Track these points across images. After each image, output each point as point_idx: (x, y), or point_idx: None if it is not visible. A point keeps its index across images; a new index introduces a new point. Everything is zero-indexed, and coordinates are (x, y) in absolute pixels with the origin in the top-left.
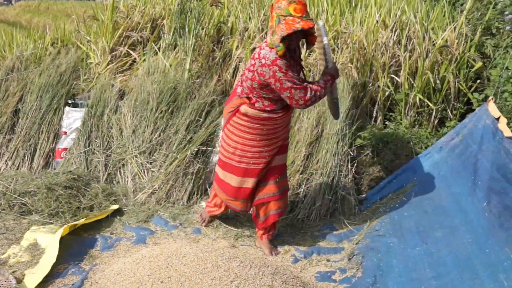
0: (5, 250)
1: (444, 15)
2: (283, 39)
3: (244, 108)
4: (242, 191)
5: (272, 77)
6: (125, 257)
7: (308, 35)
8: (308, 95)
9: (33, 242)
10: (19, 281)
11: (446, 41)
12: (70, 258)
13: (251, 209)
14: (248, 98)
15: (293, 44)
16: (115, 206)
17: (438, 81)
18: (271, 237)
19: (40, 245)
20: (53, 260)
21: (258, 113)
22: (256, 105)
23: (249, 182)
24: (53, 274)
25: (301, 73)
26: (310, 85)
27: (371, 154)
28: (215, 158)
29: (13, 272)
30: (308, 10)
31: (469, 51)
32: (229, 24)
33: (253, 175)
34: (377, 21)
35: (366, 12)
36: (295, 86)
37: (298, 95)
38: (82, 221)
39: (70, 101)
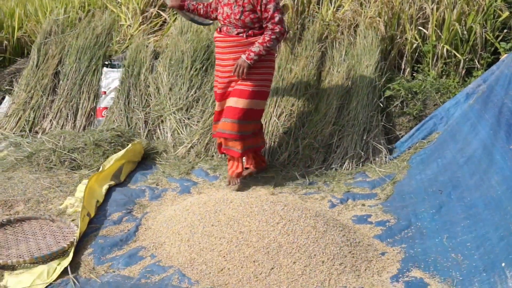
0: (62, 202)
1: None
2: None
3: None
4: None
5: None
6: (173, 205)
7: None
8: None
9: None
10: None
11: None
12: (122, 207)
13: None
14: None
15: None
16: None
17: (465, 32)
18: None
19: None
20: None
21: (215, 33)
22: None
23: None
24: (109, 221)
25: (238, 2)
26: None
27: (400, 105)
28: None
29: (73, 220)
30: None
31: (496, 1)
32: None
33: (216, 99)
34: None
35: None
36: None
37: None
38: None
39: (107, 62)
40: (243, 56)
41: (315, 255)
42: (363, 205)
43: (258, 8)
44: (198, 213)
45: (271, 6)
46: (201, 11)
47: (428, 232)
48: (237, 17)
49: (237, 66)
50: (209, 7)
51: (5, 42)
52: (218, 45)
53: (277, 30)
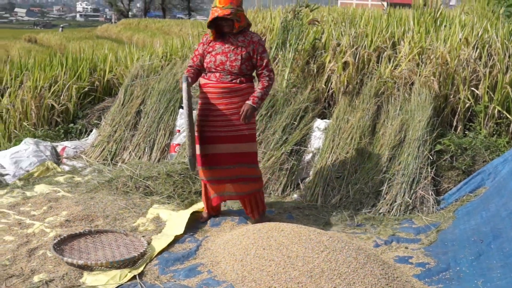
0: (135, 221)
1: None
2: (209, 26)
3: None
4: (213, 156)
5: None
6: (230, 232)
7: (222, 20)
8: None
9: (156, 216)
10: (148, 243)
11: None
12: (187, 230)
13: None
14: None
15: (225, 29)
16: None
17: None
18: (260, 212)
19: (161, 219)
20: (180, 232)
21: (202, 79)
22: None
23: (220, 148)
24: (174, 240)
25: (235, 51)
26: (190, 67)
27: (450, 159)
28: (307, 157)
29: (143, 236)
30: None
31: None
32: (323, 40)
33: (220, 141)
34: (460, 39)
35: (450, 30)
36: (193, 54)
37: None
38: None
39: (183, 104)
40: (249, 102)
41: (354, 283)
42: (406, 248)
43: (254, 56)
44: (252, 238)
45: (265, 55)
46: (195, 75)
47: (465, 276)
48: (234, 64)
49: (244, 111)
50: (194, 65)
51: (97, 82)
52: (209, 91)
53: (272, 76)
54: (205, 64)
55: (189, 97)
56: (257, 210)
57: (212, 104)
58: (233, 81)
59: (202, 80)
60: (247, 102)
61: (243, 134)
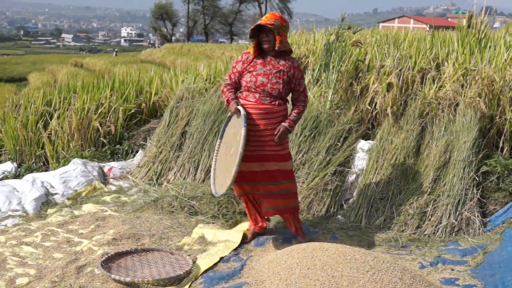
0: (180, 240)
1: None
2: (251, 37)
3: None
4: (249, 173)
5: None
6: (275, 251)
7: (283, 52)
8: (225, 84)
9: (201, 235)
10: (193, 262)
11: None
12: (233, 250)
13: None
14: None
15: (265, 44)
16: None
17: None
18: (300, 232)
19: (206, 239)
20: (225, 254)
21: (240, 99)
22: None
23: (253, 166)
24: (218, 260)
25: (276, 75)
26: (229, 85)
27: (496, 180)
28: (351, 178)
29: (188, 255)
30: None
31: None
32: (366, 62)
33: (253, 160)
34: (505, 60)
35: (495, 51)
36: (231, 71)
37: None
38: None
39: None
40: (285, 124)
41: None
42: (452, 269)
43: (293, 81)
44: (297, 257)
45: (303, 81)
46: (235, 92)
47: None
48: (275, 87)
49: (280, 132)
50: (232, 82)
51: (143, 104)
52: (249, 112)
53: (307, 102)
54: (243, 83)
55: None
56: (299, 226)
57: (253, 125)
58: (272, 103)
59: (241, 100)
60: (283, 124)
61: (279, 154)
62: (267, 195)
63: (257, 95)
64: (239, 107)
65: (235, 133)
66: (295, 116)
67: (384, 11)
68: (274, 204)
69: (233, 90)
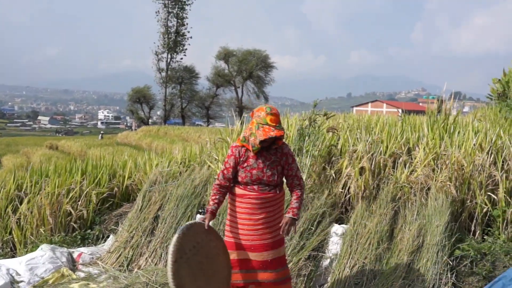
0: None
1: None
2: (261, 142)
3: (232, 188)
4: (245, 261)
5: None
6: None
7: (277, 139)
8: (216, 183)
9: None
10: None
11: None
12: None
13: None
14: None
15: (265, 144)
16: None
17: None
18: None
19: None
20: None
21: (237, 189)
22: (236, 184)
23: (250, 255)
24: None
25: (270, 166)
26: (220, 187)
27: (469, 264)
28: (325, 263)
29: None
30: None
31: None
32: (339, 146)
33: (241, 248)
34: (474, 145)
35: (464, 136)
36: (220, 171)
37: (217, 177)
38: None
39: (201, 210)
40: (289, 215)
41: None
42: None
43: (286, 167)
44: None
45: (294, 165)
46: (222, 198)
47: None
48: (271, 178)
49: (287, 225)
50: (223, 182)
51: (116, 188)
52: (250, 201)
53: (303, 184)
54: (239, 178)
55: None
56: None
57: (252, 214)
58: (271, 191)
59: (238, 191)
60: (287, 215)
61: (277, 240)
62: (266, 283)
63: (255, 187)
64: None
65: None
66: (297, 203)
67: (357, 95)
68: None
69: (217, 197)
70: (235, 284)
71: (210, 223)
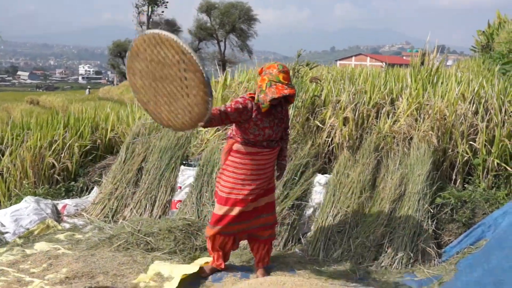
0: (136, 277)
1: None
2: (272, 100)
3: (236, 146)
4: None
5: None
6: (232, 286)
7: (289, 97)
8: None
9: (157, 272)
10: None
11: None
12: (188, 286)
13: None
14: (236, 137)
15: (275, 102)
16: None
17: None
18: (266, 264)
19: (163, 275)
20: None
21: (247, 147)
22: (241, 140)
23: (246, 207)
24: None
25: (278, 124)
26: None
27: (450, 212)
28: (308, 212)
29: None
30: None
31: None
32: (323, 97)
33: (248, 201)
34: (456, 94)
35: (447, 87)
36: (231, 105)
37: (227, 106)
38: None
39: (184, 161)
40: (284, 162)
41: None
42: None
43: (285, 123)
44: None
45: (289, 118)
46: (222, 118)
47: None
48: (278, 135)
49: (284, 170)
50: (233, 114)
51: (99, 141)
52: (263, 158)
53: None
54: (251, 136)
55: None
56: (266, 260)
57: (264, 169)
58: (277, 146)
59: (249, 149)
60: (282, 162)
61: (272, 186)
62: (256, 229)
63: (265, 143)
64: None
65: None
66: (286, 151)
67: (341, 49)
68: (260, 234)
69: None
70: (223, 236)
71: None
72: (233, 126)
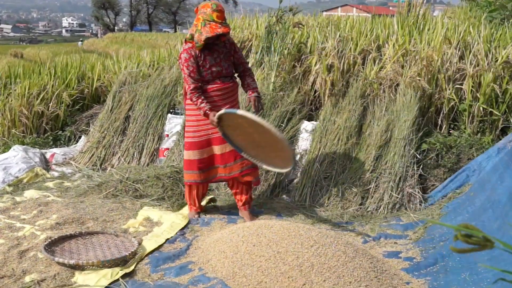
0: (125, 222)
1: (506, 35)
2: (207, 39)
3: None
4: (209, 158)
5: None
6: (220, 231)
7: (222, 35)
8: (191, 89)
9: (146, 217)
10: (139, 243)
11: (508, 57)
12: (179, 230)
13: (233, 187)
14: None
15: (210, 41)
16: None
17: (500, 94)
18: (249, 207)
19: (152, 220)
20: (171, 235)
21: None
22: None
23: (215, 149)
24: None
25: (224, 59)
26: (197, 90)
27: (435, 157)
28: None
29: (134, 237)
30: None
31: None
32: (308, 44)
33: (215, 143)
34: (442, 39)
35: (433, 34)
36: (186, 76)
37: (187, 84)
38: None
39: (171, 110)
40: (255, 94)
41: (343, 276)
42: (395, 243)
43: (235, 56)
44: (242, 235)
45: (240, 53)
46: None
47: (452, 269)
48: (229, 70)
49: (256, 102)
50: (198, 84)
51: (86, 90)
52: (216, 94)
53: (249, 67)
54: (200, 77)
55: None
56: (250, 203)
57: (219, 106)
58: (230, 81)
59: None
60: (253, 94)
61: None
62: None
63: (217, 80)
64: (218, 114)
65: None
66: (254, 82)
67: (327, 0)
68: (247, 178)
69: (203, 97)
70: (197, 184)
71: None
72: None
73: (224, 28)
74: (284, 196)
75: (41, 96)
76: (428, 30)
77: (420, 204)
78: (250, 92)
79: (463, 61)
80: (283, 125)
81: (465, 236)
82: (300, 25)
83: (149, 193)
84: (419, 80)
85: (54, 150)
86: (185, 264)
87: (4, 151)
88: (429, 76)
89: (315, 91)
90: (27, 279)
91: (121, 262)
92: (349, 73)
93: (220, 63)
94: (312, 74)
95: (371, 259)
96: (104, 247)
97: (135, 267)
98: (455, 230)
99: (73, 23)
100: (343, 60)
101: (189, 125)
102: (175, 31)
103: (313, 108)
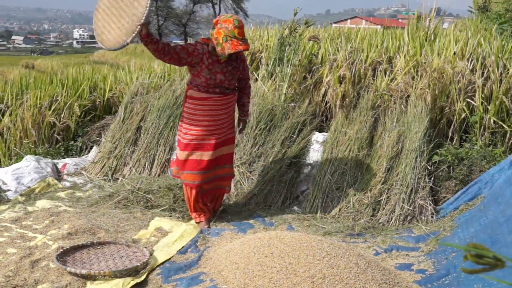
0: (136, 233)
1: None
2: (228, 54)
3: (190, 92)
4: (203, 163)
5: None
6: (231, 241)
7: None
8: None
9: (158, 227)
10: (150, 253)
11: None
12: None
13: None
14: (190, 84)
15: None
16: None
17: (510, 106)
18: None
19: (164, 230)
20: (183, 245)
21: (199, 93)
22: (194, 85)
23: (207, 155)
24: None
25: (231, 71)
26: (167, 45)
27: (447, 169)
28: (306, 169)
29: (145, 247)
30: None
31: None
32: (320, 55)
33: (208, 149)
34: (454, 52)
35: (444, 45)
36: (181, 44)
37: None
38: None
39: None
40: (245, 118)
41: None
42: (407, 255)
43: (241, 71)
44: (254, 246)
45: (247, 69)
46: (165, 49)
47: (464, 281)
48: (232, 83)
49: (244, 126)
50: (182, 52)
51: (98, 101)
52: (215, 104)
53: (250, 85)
54: (202, 79)
55: None
56: (219, 205)
57: (217, 115)
58: (230, 93)
59: (200, 94)
60: (243, 118)
61: (231, 137)
62: (221, 178)
63: (217, 90)
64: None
65: None
66: (248, 104)
67: (336, 12)
68: (223, 184)
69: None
70: (190, 185)
71: None
72: (189, 72)
73: (244, 46)
74: (295, 207)
75: (53, 107)
76: (439, 41)
77: (431, 216)
78: (243, 115)
79: (474, 73)
80: (294, 136)
81: (475, 256)
82: (316, 39)
83: (160, 203)
84: (427, 92)
85: (66, 160)
86: (197, 274)
87: (16, 161)
88: (440, 89)
89: (326, 102)
90: None
91: (133, 272)
92: (360, 84)
93: (225, 74)
94: (323, 85)
95: (383, 271)
96: (116, 257)
97: (146, 277)
98: (464, 251)
99: (84, 35)
100: (354, 71)
101: (185, 127)
102: (185, 42)
103: (324, 119)
